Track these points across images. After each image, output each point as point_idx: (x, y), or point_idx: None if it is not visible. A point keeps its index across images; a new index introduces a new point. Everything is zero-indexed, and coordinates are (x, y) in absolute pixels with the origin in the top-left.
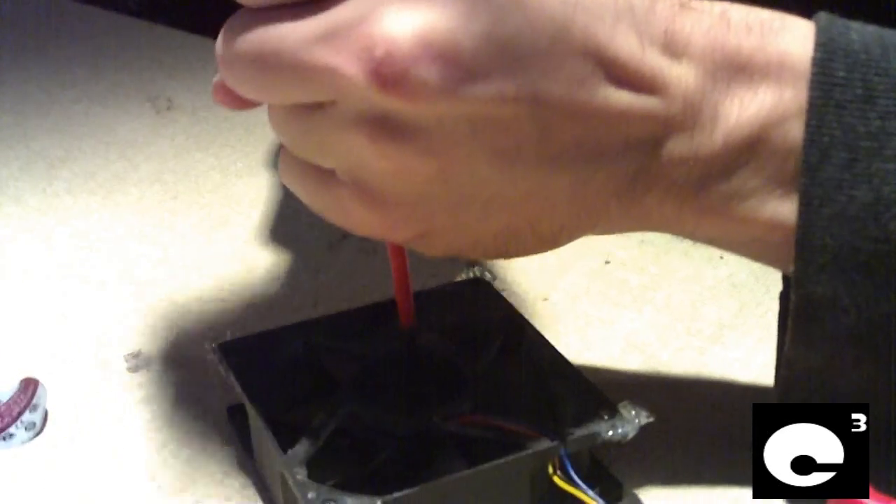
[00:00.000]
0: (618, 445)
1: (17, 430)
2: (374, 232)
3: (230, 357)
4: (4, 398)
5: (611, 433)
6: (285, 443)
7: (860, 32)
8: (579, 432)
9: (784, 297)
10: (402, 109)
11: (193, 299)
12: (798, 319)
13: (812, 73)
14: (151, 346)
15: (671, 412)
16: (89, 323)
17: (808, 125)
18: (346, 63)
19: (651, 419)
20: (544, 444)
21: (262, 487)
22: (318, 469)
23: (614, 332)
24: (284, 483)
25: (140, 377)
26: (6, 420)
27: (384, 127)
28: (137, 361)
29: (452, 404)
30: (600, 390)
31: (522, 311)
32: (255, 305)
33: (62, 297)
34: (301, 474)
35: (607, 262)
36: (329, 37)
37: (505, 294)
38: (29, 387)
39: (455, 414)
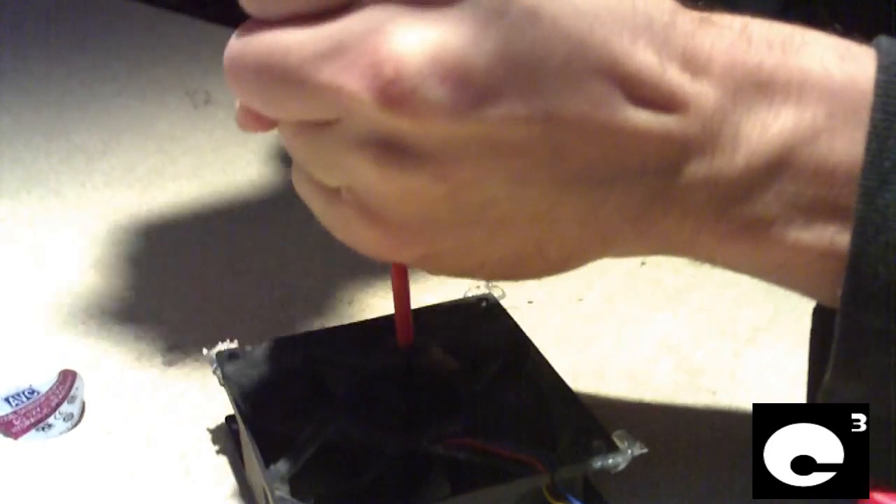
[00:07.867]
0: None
1: (56, 420)
2: (378, 252)
3: (228, 366)
4: (43, 389)
5: (601, 464)
6: (274, 455)
7: None
8: (570, 461)
9: (817, 314)
10: (409, 131)
11: (229, 295)
12: (843, 350)
13: (875, 95)
14: (187, 341)
15: (702, 417)
16: (127, 316)
17: (868, 149)
18: (353, 81)
19: (644, 450)
20: (533, 471)
21: (252, 498)
22: (302, 483)
23: (649, 334)
24: (267, 496)
25: (175, 371)
26: (44, 411)
27: (390, 149)
28: (173, 356)
29: (445, 425)
30: (596, 417)
31: (556, 311)
32: (291, 302)
33: (100, 289)
34: (282, 490)
35: (643, 264)
36: (336, 52)
37: (539, 295)
38: (67, 378)
39: (446, 435)
